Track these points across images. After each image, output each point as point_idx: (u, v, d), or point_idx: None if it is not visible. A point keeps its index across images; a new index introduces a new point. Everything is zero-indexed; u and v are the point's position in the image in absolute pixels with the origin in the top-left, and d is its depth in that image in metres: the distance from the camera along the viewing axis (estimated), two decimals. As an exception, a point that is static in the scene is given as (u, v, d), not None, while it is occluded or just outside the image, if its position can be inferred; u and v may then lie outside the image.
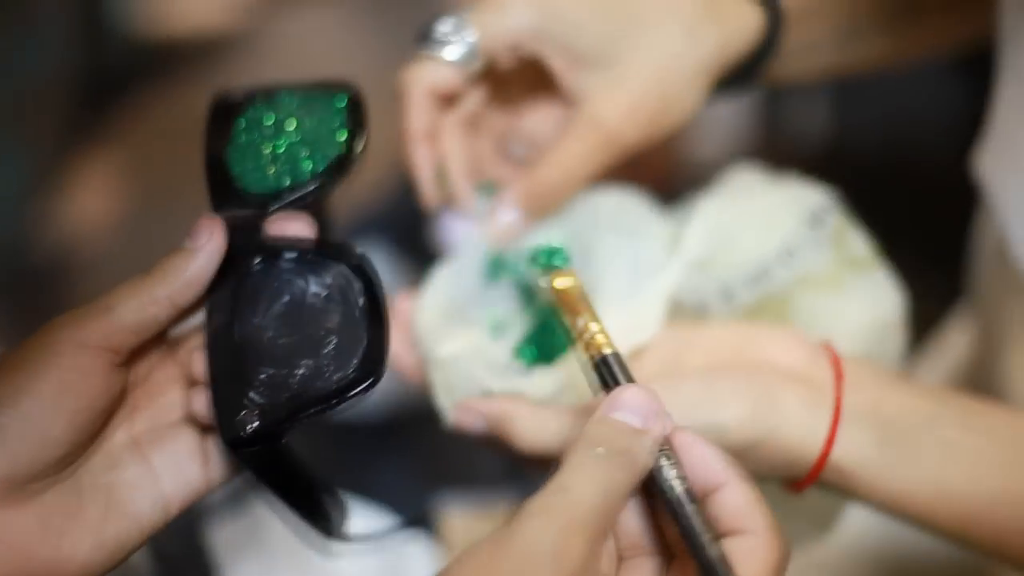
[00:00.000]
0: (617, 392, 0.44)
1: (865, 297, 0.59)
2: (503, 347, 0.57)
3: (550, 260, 0.54)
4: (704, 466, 0.43)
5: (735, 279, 0.59)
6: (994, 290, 0.82)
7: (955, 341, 0.87)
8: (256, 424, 0.46)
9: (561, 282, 0.51)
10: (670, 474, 0.43)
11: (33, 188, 1.62)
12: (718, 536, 0.41)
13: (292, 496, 0.48)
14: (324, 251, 0.50)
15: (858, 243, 0.61)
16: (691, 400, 0.51)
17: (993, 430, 0.51)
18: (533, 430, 0.52)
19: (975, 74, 1.27)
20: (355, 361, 0.47)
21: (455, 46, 0.59)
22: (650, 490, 0.44)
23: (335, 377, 0.47)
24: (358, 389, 0.47)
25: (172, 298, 0.47)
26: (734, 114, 1.52)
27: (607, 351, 0.46)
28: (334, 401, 0.46)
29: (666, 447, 0.43)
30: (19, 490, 0.43)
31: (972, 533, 0.50)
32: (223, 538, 0.73)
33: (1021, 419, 0.51)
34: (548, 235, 0.61)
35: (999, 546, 0.50)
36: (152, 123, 1.87)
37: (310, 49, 2.01)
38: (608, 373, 0.46)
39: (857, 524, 0.74)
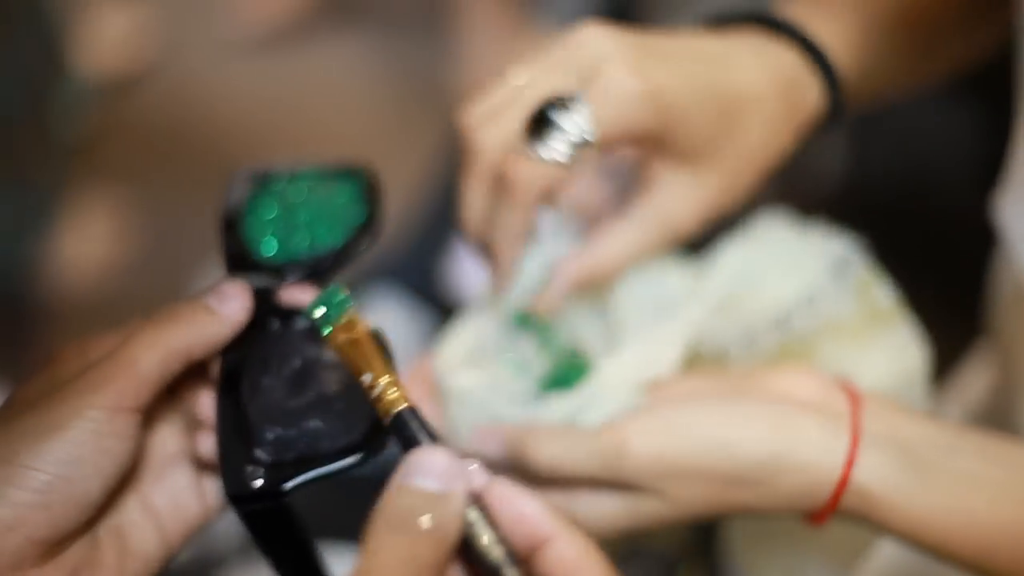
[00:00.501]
0: (412, 456, 0.40)
1: (888, 350, 0.59)
2: (523, 383, 0.58)
3: (330, 309, 0.49)
4: (526, 521, 0.39)
5: (757, 324, 0.59)
6: (1012, 331, 0.82)
7: (973, 382, 0.87)
8: (261, 481, 0.46)
9: (342, 335, 0.47)
10: (486, 538, 0.39)
11: (24, 226, 1.64)
12: None
13: (285, 562, 0.48)
14: None
15: (882, 294, 0.61)
16: (705, 420, 0.51)
17: (1012, 463, 0.51)
18: (550, 451, 0.52)
19: (991, 113, 1.27)
20: (363, 425, 0.47)
21: (570, 146, 0.53)
22: (468, 557, 0.40)
23: (343, 440, 0.47)
24: (364, 454, 0.46)
25: (191, 353, 0.48)
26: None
27: (400, 407, 0.43)
28: (340, 463, 0.46)
29: (480, 506, 0.40)
30: (55, 549, 0.44)
31: (992, 564, 0.50)
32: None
33: None
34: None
35: None
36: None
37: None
38: (404, 433, 0.42)
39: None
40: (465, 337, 0.59)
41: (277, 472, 0.46)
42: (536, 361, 0.59)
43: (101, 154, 1.93)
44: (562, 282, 0.58)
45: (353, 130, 2.00)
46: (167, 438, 0.50)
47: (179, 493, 0.50)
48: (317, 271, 0.53)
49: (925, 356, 0.60)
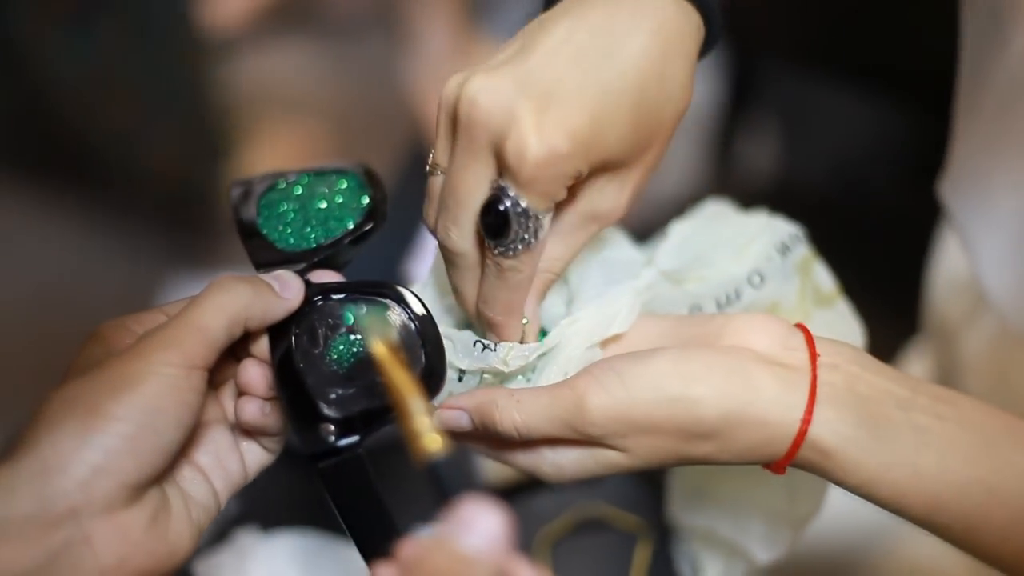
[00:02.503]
0: (467, 509, 0.40)
1: (828, 327, 0.60)
2: (468, 334, 0.58)
3: (374, 326, 0.53)
4: None
5: (706, 296, 0.60)
6: (948, 323, 0.85)
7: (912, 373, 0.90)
8: (335, 437, 0.50)
9: (389, 353, 0.48)
10: None
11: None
12: None
13: (361, 515, 0.51)
14: (366, 288, 0.56)
15: (823, 276, 0.63)
16: (663, 374, 0.51)
17: (962, 418, 0.52)
18: (512, 412, 0.53)
19: (915, 113, 1.32)
20: (418, 375, 0.53)
21: (527, 237, 0.53)
22: None
23: None
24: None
25: (250, 324, 0.52)
26: (687, 152, 1.56)
27: (439, 449, 0.42)
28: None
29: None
30: (139, 493, 0.47)
31: (941, 519, 0.51)
32: (207, 571, 0.74)
33: (987, 409, 0.53)
34: None
35: (967, 533, 0.52)
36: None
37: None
38: (439, 477, 0.42)
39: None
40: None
41: (348, 426, 0.51)
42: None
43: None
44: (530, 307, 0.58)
45: (307, 133, 2.01)
46: (206, 405, 0.53)
47: (222, 455, 0.54)
48: (335, 256, 0.58)
49: (862, 334, 0.62)
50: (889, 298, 0.95)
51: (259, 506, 0.80)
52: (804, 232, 0.63)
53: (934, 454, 0.51)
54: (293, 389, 0.52)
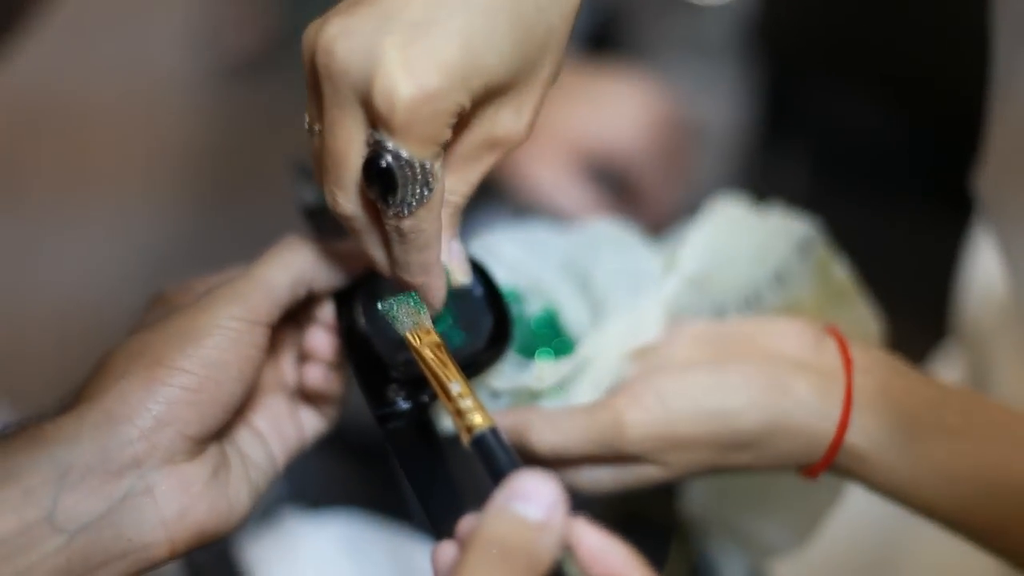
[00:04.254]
0: (516, 479, 0.40)
1: (847, 325, 0.61)
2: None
3: (406, 313, 0.51)
4: (604, 558, 0.40)
5: (728, 300, 0.61)
6: (983, 328, 0.84)
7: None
8: (402, 398, 0.51)
9: (425, 339, 0.49)
10: (572, 572, 0.39)
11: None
12: None
13: (427, 478, 0.51)
14: None
15: (840, 273, 0.63)
16: (701, 389, 0.52)
17: (994, 422, 0.52)
18: (551, 435, 0.53)
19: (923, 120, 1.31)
20: (485, 336, 0.53)
21: (420, 193, 0.47)
22: None
23: (469, 352, 0.52)
24: (493, 357, 0.53)
25: (314, 286, 0.52)
26: (717, 169, 1.57)
27: (487, 427, 0.43)
28: (471, 370, 0.51)
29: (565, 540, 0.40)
30: (201, 446, 0.48)
31: (974, 523, 0.52)
32: (255, 553, 0.74)
33: (1018, 413, 0.53)
34: (547, 261, 0.62)
35: (1000, 537, 0.52)
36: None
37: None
38: (489, 453, 0.42)
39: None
40: None
41: (415, 388, 0.51)
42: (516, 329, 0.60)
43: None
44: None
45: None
46: (265, 369, 0.53)
47: (279, 419, 0.54)
48: None
49: (881, 331, 0.63)
50: (918, 304, 0.96)
51: (307, 486, 0.81)
52: (821, 229, 0.63)
53: (967, 458, 0.51)
54: (361, 353, 0.52)
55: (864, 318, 0.63)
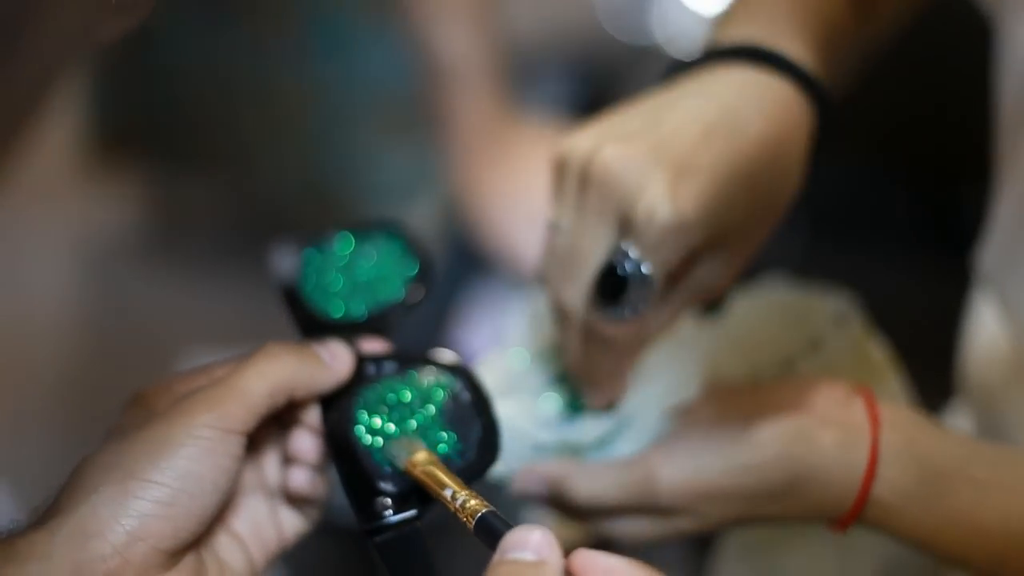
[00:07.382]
0: (508, 536, 0.42)
1: (880, 399, 0.61)
2: (552, 408, 0.61)
3: (402, 450, 0.53)
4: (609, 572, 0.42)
5: (763, 363, 0.63)
6: (991, 387, 0.84)
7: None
8: (391, 510, 0.50)
9: (420, 458, 0.51)
10: None
11: None
12: None
13: None
14: (416, 359, 0.56)
15: (876, 348, 0.65)
16: (730, 444, 0.54)
17: (1021, 474, 0.54)
18: (587, 489, 0.55)
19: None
20: (474, 446, 0.53)
21: (640, 304, 0.54)
22: None
23: (458, 463, 0.52)
24: (482, 469, 0.52)
25: (295, 393, 0.52)
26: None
27: (483, 511, 0.46)
28: (464, 476, 0.50)
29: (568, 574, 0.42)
30: (175, 559, 0.47)
31: (1006, 573, 0.53)
32: None
33: None
34: None
35: None
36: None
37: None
38: (490, 530, 0.45)
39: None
40: (496, 369, 0.63)
41: (404, 502, 0.50)
42: (561, 386, 0.62)
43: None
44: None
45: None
46: (244, 472, 0.52)
47: (259, 522, 0.53)
48: (384, 323, 0.58)
49: (914, 407, 0.64)
50: (921, 363, 0.97)
51: (300, 570, 0.78)
52: (858, 304, 0.65)
53: (995, 508, 0.53)
54: (348, 462, 0.51)
55: (897, 395, 0.64)
